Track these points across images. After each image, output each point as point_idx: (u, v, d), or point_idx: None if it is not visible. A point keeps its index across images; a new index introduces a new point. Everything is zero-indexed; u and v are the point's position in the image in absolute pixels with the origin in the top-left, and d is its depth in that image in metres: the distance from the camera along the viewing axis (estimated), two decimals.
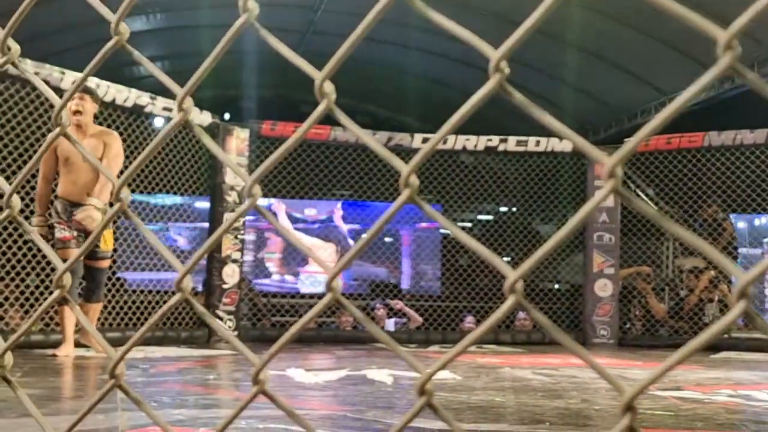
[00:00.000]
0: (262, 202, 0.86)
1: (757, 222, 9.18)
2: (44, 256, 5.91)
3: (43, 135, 6.10)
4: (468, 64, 10.50)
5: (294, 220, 9.41)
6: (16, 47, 0.79)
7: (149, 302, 6.83)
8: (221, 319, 7.21)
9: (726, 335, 7.36)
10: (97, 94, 5.33)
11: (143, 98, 6.65)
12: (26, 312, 6.07)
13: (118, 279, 6.88)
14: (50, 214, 5.18)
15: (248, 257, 8.63)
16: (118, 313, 6.52)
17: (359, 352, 6.34)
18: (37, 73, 5.91)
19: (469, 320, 8.61)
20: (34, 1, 0.74)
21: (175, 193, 7.20)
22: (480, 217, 10.67)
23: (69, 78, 6.02)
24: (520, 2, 9.38)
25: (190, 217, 7.70)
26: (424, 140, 8.21)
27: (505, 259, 9.30)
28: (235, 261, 7.38)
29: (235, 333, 7.33)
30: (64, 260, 1.48)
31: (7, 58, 0.78)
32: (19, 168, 5.95)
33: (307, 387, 3.72)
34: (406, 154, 8.22)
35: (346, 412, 2.85)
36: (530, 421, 2.76)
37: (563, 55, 10.37)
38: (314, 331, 7.65)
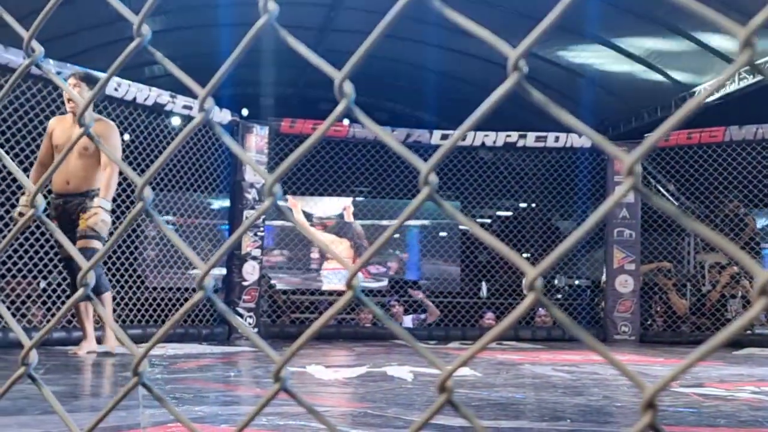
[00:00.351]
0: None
1: None
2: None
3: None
4: (486, 59, 10.47)
5: (308, 217, 9.45)
6: (39, 48, 0.80)
7: (169, 299, 6.88)
8: (241, 316, 7.25)
9: (749, 331, 7.30)
10: (96, 82, 4.81)
11: (163, 97, 6.70)
12: (48, 309, 6.14)
13: (138, 276, 6.94)
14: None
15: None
16: (138, 310, 6.58)
17: (379, 348, 6.35)
18: (59, 73, 5.96)
19: (489, 316, 8.60)
20: (57, 3, 0.75)
21: (195, 191, 7.25)
22: (499, 213, 10.65)
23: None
24: None
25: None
26: (443, 137, 8.20)
27: (525, 255, 9.27)
28: (254, 258, 7.42)
29: (255, 330, 7.38)
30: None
31: (32, 60, 0.79)
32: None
33: (327, 384, 3.74)
34: (424, 150, 8.21)
35: (367, 409, 2.85)
36: (551, 418, 2.76)
37: (582, 49, 10.32)
38: (334, 327, 7.67)
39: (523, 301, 0.56)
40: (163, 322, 6.71)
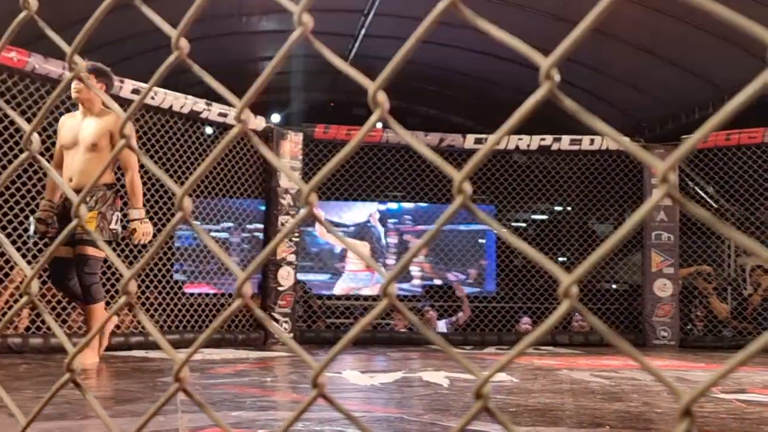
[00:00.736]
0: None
1: None
2: (105, 261, 6.07)
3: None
4: (519, 62, 10.42)
5: (334, 225, 9.47)
6: (81, 62, 0.82)
7: (206, 305, 6.96)
8: (277, 321, 7.30)
9: None
10: (106, 75, 4.74)
11: (199, 105, 6.79)
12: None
13: (176, 282, 7.03)
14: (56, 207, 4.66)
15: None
16: (176, 316, 6.66)
17: (414, 354, 6.35)
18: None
19: (525, 321, 8.54)
20: (98, 20, 0.77)
21: (231, 197, 7.33)
22: (534, 216, 10.58)
23: (128, 86, 6.17)
24: (568, 0, 9.22)
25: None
26: (477, 141, 8.18)
27: (561, 259, 9.20)
28: (290, 264, 7.47)
29: (291, 335, 7.42)
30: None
31: (75, 74, 0.81)
32: None
33: (363, 389, 3.74)
34: (458, 155, 8.21)
35: (403, 415, 2.86)
36: (589, 424, 2.73)
37: (617, 51, 10.22)
38: (369, 333, 7.68)
39: (558, 307, 0.56)
40: (200, 327, 6.78)
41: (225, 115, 6.91)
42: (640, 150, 0.55)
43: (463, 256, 9.21)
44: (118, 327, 4.97)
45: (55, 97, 0.86)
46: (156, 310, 6.51)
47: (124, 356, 5.40)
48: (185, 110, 6.70)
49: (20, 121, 0.90)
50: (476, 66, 11.65)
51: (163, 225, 6.60)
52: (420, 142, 0.61)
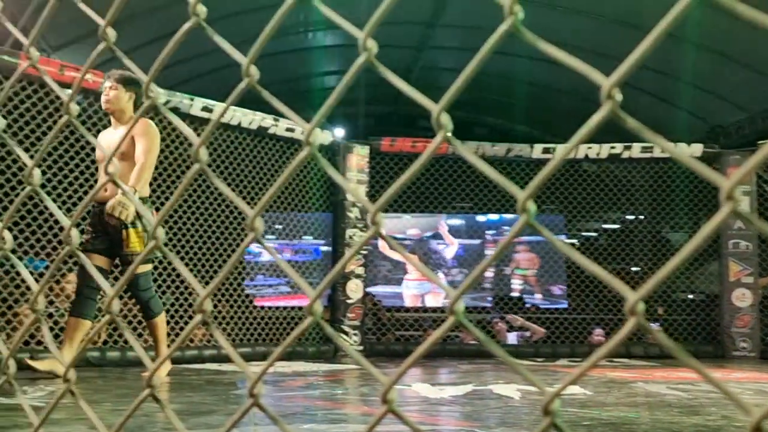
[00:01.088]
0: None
1: None
2: (178, 275, 6.22)
3: (181, 167, 6.42)
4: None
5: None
6: (158, 90, 0.85)
7: (276, 318, 7.05)
8: (346, 333, 7.35)
9: None
10: (135, 83, 4.66)
11: (267, 120, 6.91)
12: None
13: (247, 296, 7.16)
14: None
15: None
16: (248, 329, 6.77)
17: (484, 366, 6.30)
18: (168, 102, 6.25)
19: (598, 333, 8.39)
20: (174, 48, 0.80)
21: (298, 211, 7.43)
22: (605, 226, 10.39)
23: (198, 104, 6.33)
24: (635, 5, 9.13)
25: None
26: (545, 150, 8.09)
27: (634, 269, 9.01)
28: (358, 276, 7.52)
29: (360, 347, 7.46)
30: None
31: (151, 102, 0.85)
32: (157, 199, 6.30)
33: (433, 402, 3.74)
34: (525, 165, 8.14)
35: (474, 428, 2.84)
36: None
37: (687, 54, 9.99)
38: (439, 345, 7.66)
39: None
40: (271, 340, 6.88)
41: (292, 131, 7.03)
42: (704, 167, 0.54)
43: (560, 267, 9.07)
44: (191, 340, 5.04)
45: (134, 121, 0.90)
46: (228, 323, 6.63)
47: (197, 369, 5.52)
48: (253, 126, 6.84)
49: (92, 140, 0.94)
50: (541, 75, 11.56)
51: (232, 239, 6.74)
52: (483, 162, 0.62)
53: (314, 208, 7.54)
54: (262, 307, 7.33)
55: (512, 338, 8.57)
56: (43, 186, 1.06)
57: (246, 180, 6.86)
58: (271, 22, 0.73)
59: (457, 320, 0.62)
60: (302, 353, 6.87)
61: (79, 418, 2.66)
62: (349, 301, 7.44)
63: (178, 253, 6.32)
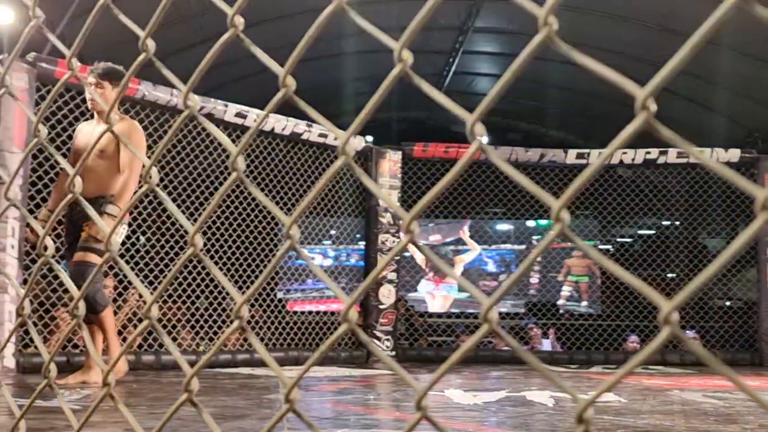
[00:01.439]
0: None
1: None
2: (212, 280, 6.28)
3: (215, 173, 6.50)
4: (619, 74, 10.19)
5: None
6: (196, 100, 0.87)
7: (309, 323, 7.09)
8: (378, 339, 7.36)
9: None
10: (119, 76, 4.33)
11: (300, 126, 6.95)
12: (197, 333, 6.47)
13: (280, 300, 7.20)
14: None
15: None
16: (281, 334, 6.81)
17: (518, 372, 6.27)
18: (202, 108, 6.32)
19: (633, 339, 8.30)
20: (213, 58, 0.82)
21: (332, 216, 7.46)
22: (641, 232, 10.28)
23: (232, 110, 6.39)
24: (674, 9, 9.02)
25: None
26: (579, 156, 8.03)
27: (670, 275, 8.90)
28: (390, 282, 7.52)
29: (392, 353, 7.46)
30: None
31: (189, 112, 0.86)
32: (192, 204, 6.37)
33: (466, 408, 3.73)
34: (559, 170, 8.09)
35: None
36: None
37: (724, 58, 9.85)
38: (471, 351, 7.62)
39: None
40: (304, 345, 6.91)
41: (325, 136, 7.06)
42: (738, 176, 0.54)
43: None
44: (224, 345, 4.98)
45: (170, 137, 0.92)
46: (261, 328, 6.68)
47: (231, 373, 5.57)
48: (286, 132, 6.88)
49: (140, 156, 0.96)
50: (575, 80, 11.49)
51: (265, 244, 6.79)
52: (515, 171, 0.62)
53: (346, 214, 7.57)
54: (295, 312, 7.37)
55: (547, 344, 8.52)
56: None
57: (279, 186, 6.90)
58: (308, 32, 0.74)
59: (491, 328, 0.62)
60: (335, 358, 6.88)
61: (114, 421, 2.70)
62: (381, 307, 7.44)
63: (212, 257, 6.39)
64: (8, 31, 7.67)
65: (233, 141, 0.84)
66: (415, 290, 9.09)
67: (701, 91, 10.76)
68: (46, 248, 1.11)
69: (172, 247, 6.08)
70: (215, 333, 6.45)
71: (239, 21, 0.79)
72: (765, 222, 0.49)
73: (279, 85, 0.74)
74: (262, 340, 6.67)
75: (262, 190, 6.60)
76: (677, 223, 8.90)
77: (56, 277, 4.26)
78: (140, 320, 6.03)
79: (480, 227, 9.07)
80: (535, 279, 9.22)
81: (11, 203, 1.14)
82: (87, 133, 4.40)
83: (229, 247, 6.53)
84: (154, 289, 5.80)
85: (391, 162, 7.67)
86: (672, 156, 8.01)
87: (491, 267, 9.54)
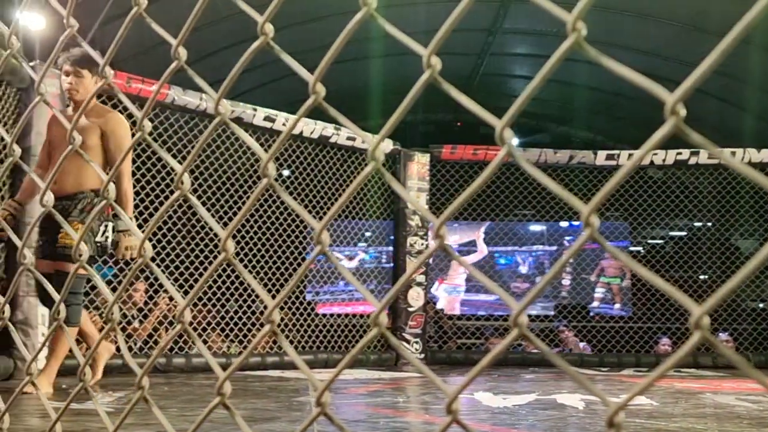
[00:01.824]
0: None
1: None
2: (242, 283, 6.32)
3: (246, 177, 6.55)
4: (648, 74, 10.10)
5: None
6: (227, 107, 0.88)
7: (338, 325, 7.11)
8: (408, 341, 7.35)
9: None
10: (96, 64, 3.77)
11: (328, 129, 6.97)
12: (226, 336, 6.52)
13: (309, 303, 7.24)
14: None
15: None
16: (310, 336, 6.85)
17: (548, 375, 6.23)
18: (232, 111, 6.37)
19: (665, 342, 8.21)
20: (243, 65, 0.83)
21: (360, 219, 7.48)
22: (672, 233, 10.17)
23: (261, 114, 6.44)
24: (704, 9, 8.90)
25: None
26: (608, 157, 7.96)
27: (702, 276, 8.79)
28: (419, 284, 7.52)
29: (422, 356, 7.45)
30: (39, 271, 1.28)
31: (221, 118, 0.88)
32: (223, 211, 6.43)
33: (496, 411, 3.71)
34: (589, 171, 8.03)
35: None
36: None
37: (757, 58, 9.71)
38: (501, 354, 7.59)
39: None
40: (333, 347, 6.94)
41: (353, 139, 7.08)
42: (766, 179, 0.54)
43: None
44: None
45: (198, 148, 0.93)
46: (290, 330, 6.71)
47: (260, 375, 5.60)
48: (315, 135, 6.91)
49: (173, 162, 0.98)
50: (603, 80, 11.40)
51: (294, 247, 6.82)
52: (545, 176, 0.62)
53: (375, 216, 7.58)
54: (324, 315, 7.40)
55: (582, 345, 8.45)
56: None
57: (308, 189, 6.94)
58: (337, 40, 0.74)
59: (521, 333, 0.62)
60: (364, 361, 6.90)
61: (146, 424, 2.73)
62: (410, 309, 7.44)
63: (241, 260, 6.44)
64: (39, 37, 7.79)
65: (262, 145, 0.85)
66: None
67: (733, 90, 10.61)
68: (80, 254, 1.13)
69: (201, 251, 6.13)
70: (245, 336, 6.50)
71: (269, 29, 0.80)
72: None
73: (309, 92, 0.75)
74: (291, 342, 6.71)
75: (291, 193, 6.64)
76: (709, 224, 8.79)
77: (88, 281, 4.18)
78: (170, 323, 6.10)
79: (510, 228, 9.01)
80: (566, 281, 9.16)
81: (47, 209, 1.17)
82: (62, 124, 4.03)
83: (258, 250, 6.57)
84: (185, 293, 5.85)
85: (419, 164, 7.67)
86: (703, 157, 7.91)
87: (524, 269, 9.50)
